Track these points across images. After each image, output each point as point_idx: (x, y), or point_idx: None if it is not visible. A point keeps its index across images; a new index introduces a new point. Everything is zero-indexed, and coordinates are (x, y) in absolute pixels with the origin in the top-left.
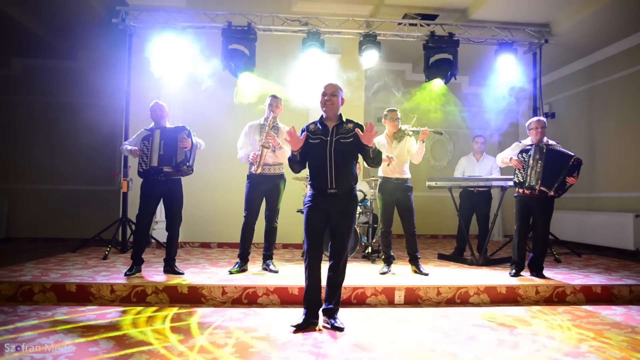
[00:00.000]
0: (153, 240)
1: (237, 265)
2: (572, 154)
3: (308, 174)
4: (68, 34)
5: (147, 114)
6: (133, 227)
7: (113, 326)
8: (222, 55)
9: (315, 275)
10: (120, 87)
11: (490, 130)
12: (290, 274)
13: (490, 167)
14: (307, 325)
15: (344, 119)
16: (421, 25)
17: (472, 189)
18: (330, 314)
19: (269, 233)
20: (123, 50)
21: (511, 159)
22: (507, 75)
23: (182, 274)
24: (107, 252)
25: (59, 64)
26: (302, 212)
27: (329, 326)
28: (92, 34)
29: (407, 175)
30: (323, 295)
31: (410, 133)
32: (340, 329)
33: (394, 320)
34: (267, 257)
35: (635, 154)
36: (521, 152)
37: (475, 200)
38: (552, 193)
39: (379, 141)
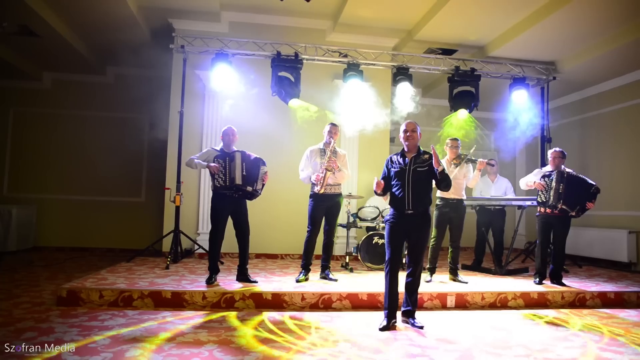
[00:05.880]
0: (196, 251)
1: (301, 275)
2: (594, 183)
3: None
4: (105, 51)
5: (192, 131)
6: (182, 238)
7: (229, 327)
8: (272, 82)
9: (395, 282)
10: (148, 103)
11: (491, 153)
12: (349, 282)
13: (505, 187)
14: (389, 326)
15: (422, 150)
16: (447, 59)
17: (491, 206)
18: (410, 315)
19: (327, 246)
20: (157, 69)
21: (535, 182)
22: (518, 106)
23: (256, 282)
24: (168, 262)
25: (88, 79)
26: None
27: (409, 325)
28: (123, 52)
29: (464, 196)
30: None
31: (468, 160)
32: (421, 327)
33: (455, 321)
34: (325, 267)
35: (626, 178)
36: (543, 176)
37: (491, 217)
38: (573, 213)
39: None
